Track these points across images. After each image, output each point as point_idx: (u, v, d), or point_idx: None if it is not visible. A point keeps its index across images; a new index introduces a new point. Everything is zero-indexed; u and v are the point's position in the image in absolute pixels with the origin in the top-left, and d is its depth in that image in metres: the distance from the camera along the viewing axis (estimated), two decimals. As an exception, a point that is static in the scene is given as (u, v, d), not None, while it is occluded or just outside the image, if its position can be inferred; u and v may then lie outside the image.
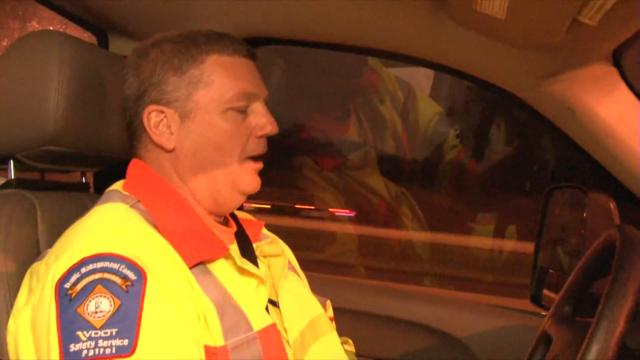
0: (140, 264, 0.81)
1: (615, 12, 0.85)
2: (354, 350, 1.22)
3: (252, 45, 1.01)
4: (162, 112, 0.94)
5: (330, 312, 1.20)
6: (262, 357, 0.88)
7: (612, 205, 1.24)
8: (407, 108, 2.42)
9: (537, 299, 1.31)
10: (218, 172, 0.95)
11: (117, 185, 0.97)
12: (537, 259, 1.35)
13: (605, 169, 1.29)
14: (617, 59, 1.14)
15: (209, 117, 0.94)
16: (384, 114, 2.41)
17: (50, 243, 0.90)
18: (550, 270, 1.33)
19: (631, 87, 1.18)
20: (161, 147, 0.95)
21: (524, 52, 1.16)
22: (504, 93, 1.34)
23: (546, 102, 1.29)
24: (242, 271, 0.94)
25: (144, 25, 1.31)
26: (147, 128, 0.94)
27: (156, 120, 0.94)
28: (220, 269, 0.91)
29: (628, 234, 0.86)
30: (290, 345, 0.97)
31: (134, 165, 0.98)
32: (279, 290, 1.02)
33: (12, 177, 1.01)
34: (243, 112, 0.96)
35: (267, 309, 0.96)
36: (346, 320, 1.28)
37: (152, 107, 0.94)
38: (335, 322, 1.19)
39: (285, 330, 0.98)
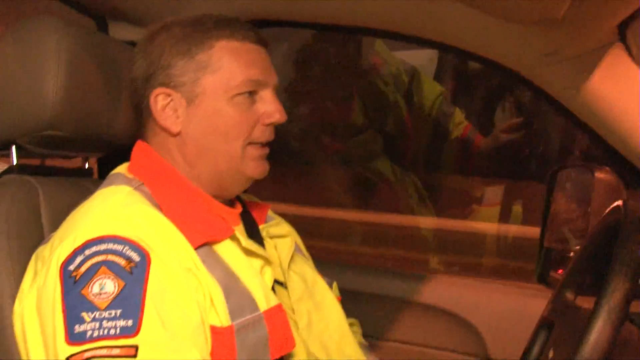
0: (143, 245, 0.81)
1: (620, -17, 0.83)
2: (360, 332, 1.22)
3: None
4: (169, 95, 0.94)
5: (337, 293, 1.21)
6: (269, 337, 0.89)
7: (618, 184, 1.23)
8: (412, 90, 2.40)
9: (543, 279, 1.31)
10: (222, 157, 0.95)
11: (121, 168, 0.98)
12: (543, 239, 1.34)
13: (611, 146, 1.28)
14: (622, 34, 1.12)
15: (215, 102, 0.93)
16: (388, 97, 2.40)
17: (54, 228, 0.91)
18: (556, 250, 1.33)
19: (637, 63, 1.16)
20: (167, 131, 0.95)
21: (527, 28, 1.14)
22: (507, 72, 1.32)
23: (550, 80, 1.28)
24: (247, 252, 0.94)
25: (144, 10, 1.30)
26: (154, 111, 0.94)
27: (163, 104, 0.94)
28: (226, 249, 0.92)
29: (631, 209, 0.85)
30: (297, 326, 0.97)
31: (138, 148, 0.99)
32: (286, 270, 1.02)
33: (15, 162, 1.02)
34: (251, 98, 0.95)
35: (273, 289, 0.96)
36: (352, 302, 1.28)
37: (159, 89, 0.94)
38: (342, 304, 1.19)
39: (293, 311, 0.98)
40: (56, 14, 1.00)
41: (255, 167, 0.97)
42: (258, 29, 1.00)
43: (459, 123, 2.36)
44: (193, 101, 0.94)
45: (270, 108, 0.96)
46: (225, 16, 0.97)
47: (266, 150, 0.99)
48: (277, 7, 1.34)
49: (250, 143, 0.96)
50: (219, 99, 0.93)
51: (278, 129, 1.00)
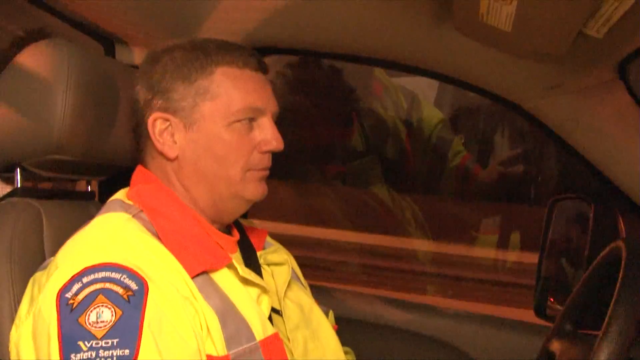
0: (141, 273, 0.81)
1: (622, 24, 0.85)
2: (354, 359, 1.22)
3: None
4: (167, 120, 0.94)
5: (333, 322, 1.20)
6: None
7: (617, 216, 1.24)
8: (411, 116, 2.42)
9: (540, 310, 1.31)
10: (220, 182, 0.95)
11: (120, 194, 0.97)
12: (540, 270, 1.35)
13: (610, 180, 1.29)
14: (622, 71, 1.14)
15: (213, 128, 0.94)
16: (387, 122, 2.41)
17: (56, 251, 0.90)
18: (554, 281, 1.33)
19: (636, 99, 1.18)
20: (164, 155, 0.95)
21: (529, 63, 1.16)
22: (508, 104, 1.34)
23: (551, 113, 1.29)
24: (245, 280, 0.94)
25: (151, 34, 1.31)
26: (152, 135, 0.94)
27: (161, 128, 0.94)
28: (223, 278, 0.92)
29: (634, 246, 0.86)
30: (292, 354, 0.97)
31: (138, 173, 0.99)
32: (282, 299, 1.02)
33: (19, 185, 1.02)
34: (249, 125, 0.96)
35: (270, 317, 0.96)
36: (348, 330, 1.27)
37: (157, 114, 0.94)
38: (337, 332, 1.18)
39: (289, 339, 0.98)
40: (65, 37, 1.01)
41: (254, 189, 0.97)
42: (260, 55, 1.01)
43: (458, 152, 2.38)
44: (191, 127, 0.94)
45: (267, 136, 0.96)
46: (227, 42, 0.98)
47: (266, 173, 0.99)
48: (281, 35, 1.36)
49: (249, 169, 0.96)
50: (217, 125, 0.94)
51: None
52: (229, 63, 0.95)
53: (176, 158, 0.95)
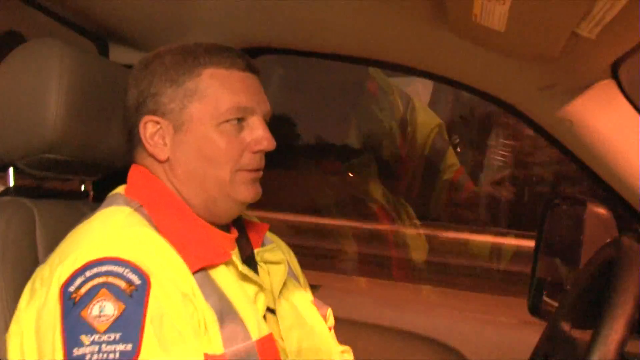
0: (144, 268, 0.81)
1: (614, 25, 0.85)
2: (353, 359, 1.21)
3: (252, 55, 1.01)
4: (157, 122, 0.95)
5: (331, 321, 1.20)
6: None
7: (610, 217, 1.24)
8: (406, 119, 2.41)
9: (535, 310, 1.31)
10: (210, 183, 0.95)
11: (120, 190, 0.98)
12: (535, 270, 1.35)
13: (604, 181, 1.29)
14: (615, 72, 1.15)
15: (202, 129, 0.94)
16: (383, 123, 2.41)
17: (49, 250, 0.90)
18: (548, 281, 1.33)
19: (629, 100, 1.18)
20: (154, 157, 0.96)
21: (523, 63, 1.16)
22: (503, 104, 1.34)
23: (545, 114, 1.30)
24: (243, 277, 0.95)
25: (144, 34, 1.31)
26: (143, 138, 0.95)
27: (152, 131, 0.95)
28: (222, 275, 0.92)
29: (626, 246, 0.86)
30: (286, 354, 0.97)
31: (134, 170, 0.99)
32: (277, 298, 1.02)
33: (11, 184, 1.01)
34: (239, 126, 0.96)
35: (265, 317, 0.96)
36: (347, 330, 1.28)
37: (148, 117, 0.95)
38: (336, 332, 1.18)
39: (282, 339, 0.98)
40: (58, 37, 1.01)
41: (245, 191, 0.97)
42: (253, 56, 1.01)
43: (451, 165, 2.36)
44: (180, 128, 0.94)
45: (257, 135, 0.97)
46: (216, 44, 0.98)
47: (258, 175, 0.99)
48: (275, 35, 1.36)
49: (239, 170, 0.96)
50: (206, 125, 0.94)
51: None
52: (215, 64, 0.95)
53: (167, 160, 0.96)
